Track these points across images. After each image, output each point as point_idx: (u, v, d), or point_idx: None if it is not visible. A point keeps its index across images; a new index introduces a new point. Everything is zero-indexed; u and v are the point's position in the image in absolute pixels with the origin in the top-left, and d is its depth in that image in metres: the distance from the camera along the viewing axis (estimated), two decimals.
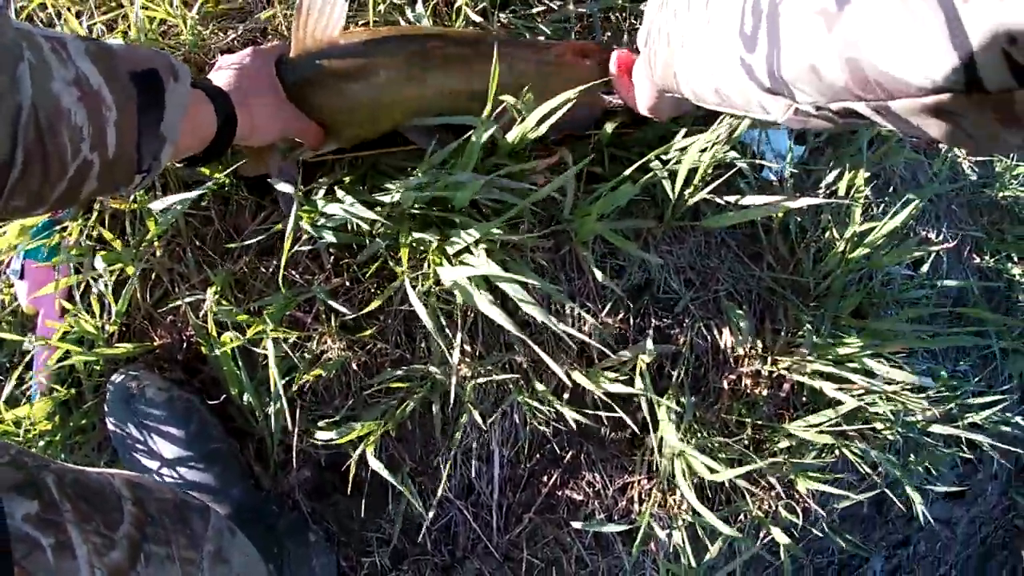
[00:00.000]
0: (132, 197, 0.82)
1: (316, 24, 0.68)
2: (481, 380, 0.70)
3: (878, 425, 0.84)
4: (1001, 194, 1.08)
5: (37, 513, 0.46)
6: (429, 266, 0.69)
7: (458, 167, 0.66)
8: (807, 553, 0.97)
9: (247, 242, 0.78)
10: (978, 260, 1.02)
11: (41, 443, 0.82)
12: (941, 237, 0.92)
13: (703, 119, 0.76)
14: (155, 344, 0.83)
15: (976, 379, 0.97)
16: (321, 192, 0.75)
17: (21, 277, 0.86)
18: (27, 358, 0.85)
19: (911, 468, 0.92)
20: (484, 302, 0.64)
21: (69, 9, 0.91)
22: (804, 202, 0.72)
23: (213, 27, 0.87)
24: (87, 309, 0.84)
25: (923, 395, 0.83)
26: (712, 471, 0.71)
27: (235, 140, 0.65)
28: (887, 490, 0.88)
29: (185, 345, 0.83)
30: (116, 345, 0.80)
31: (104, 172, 0.50)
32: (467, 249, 0.65)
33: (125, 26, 0.88)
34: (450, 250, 0.67)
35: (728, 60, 0.42)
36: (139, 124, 0.51)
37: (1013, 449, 0.96)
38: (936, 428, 0.87)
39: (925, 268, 0.87)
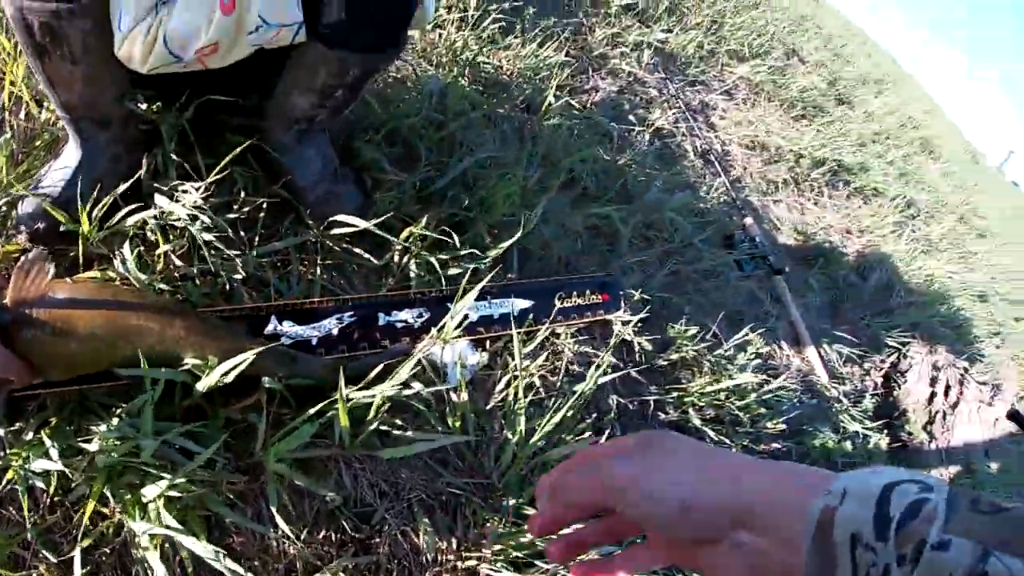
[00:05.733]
0: None
1: (30, 281, 0.81)
2: None
3: None
4: (676, 356, 1.33)
5: None
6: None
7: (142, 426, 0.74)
8: None
9: None
10: (664, 417, 1.24)
11: None
12: (612, 411, 1.11)
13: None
14: None
15: None
16: (30, 434, 0.79)
17: None
18: None
19: None
20: (157, 559, 0.70)
21: None
22: (460, 438, 0.87)
23: None
24: None
25: None
26: None
27: None
28: None
29: None
30: None
31: None
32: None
33: None
34: (143, 500, 0.73)
35: None
36: None
37: None
38: None
39: (604, 439, 1.05)
